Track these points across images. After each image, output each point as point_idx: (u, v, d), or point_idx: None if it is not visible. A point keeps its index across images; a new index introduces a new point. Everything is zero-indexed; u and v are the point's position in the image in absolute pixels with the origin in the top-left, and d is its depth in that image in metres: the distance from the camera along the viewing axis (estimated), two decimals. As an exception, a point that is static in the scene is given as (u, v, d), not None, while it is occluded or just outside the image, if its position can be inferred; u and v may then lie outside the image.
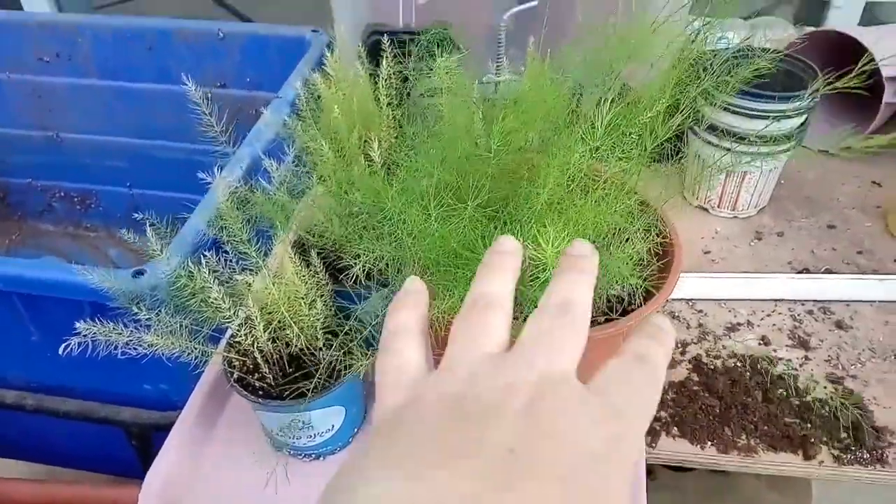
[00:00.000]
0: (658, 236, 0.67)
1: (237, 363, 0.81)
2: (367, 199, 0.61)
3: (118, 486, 1.16)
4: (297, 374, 0.79)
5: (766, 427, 0.90)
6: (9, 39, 1.67)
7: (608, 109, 0.52)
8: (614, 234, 0.61)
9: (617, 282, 0.59)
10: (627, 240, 0.62)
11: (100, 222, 1.93)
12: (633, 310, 0.68)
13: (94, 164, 1.83)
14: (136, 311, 0.76)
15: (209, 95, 1.74)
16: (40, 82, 1.71)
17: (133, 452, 1.24)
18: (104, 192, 1.89)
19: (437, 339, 0.81)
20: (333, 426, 0.83)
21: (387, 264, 0.60)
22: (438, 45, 1.05)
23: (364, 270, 0.65)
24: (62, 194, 1.91)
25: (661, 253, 0.68)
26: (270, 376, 0.79)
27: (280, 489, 0.83)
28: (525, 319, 0.58)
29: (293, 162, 0.97)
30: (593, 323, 0.68)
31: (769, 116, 1.08)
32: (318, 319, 0.78)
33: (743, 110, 1.09)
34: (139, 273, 0.91)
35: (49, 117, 1.77)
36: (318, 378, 0.76)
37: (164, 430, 0.91)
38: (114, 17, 1.66)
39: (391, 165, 0.80)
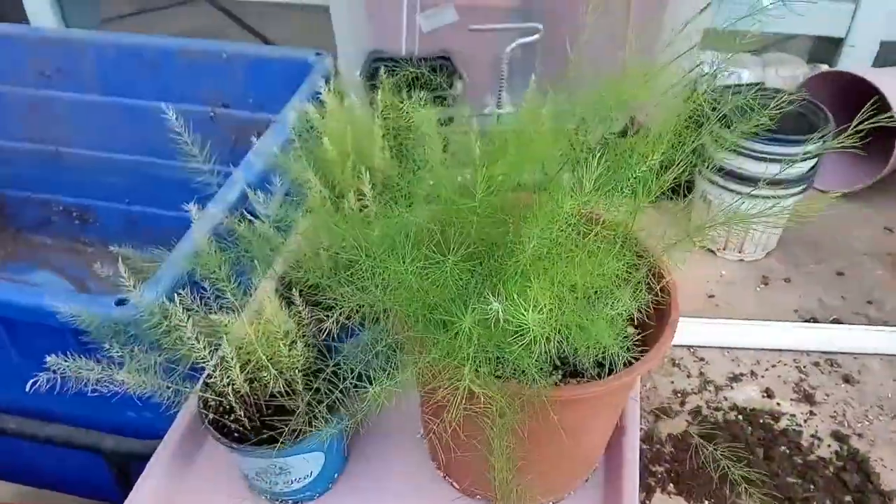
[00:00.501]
0: (651, 292, 0.63)
1: (213, 403, 0.77)
2: (346, 243, 0.57)
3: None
4: (275, 417, 0.76)
5: (767, 488, 0.86)
6: (10, 53, 1.66)
7: (597, 163, 0.49)
8: (602, 290, 0.58)
9: (596, 350, 0.55)
10: (614, 296, 0.59)
11: (97, 238, 1.92)
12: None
13: (92, 179, 1.81)
14: (107, 347, 0.73)
15: (212, 116, 1.74)
16: (40, 96, 1.70)
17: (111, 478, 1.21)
18: (102, 208, 1.88)
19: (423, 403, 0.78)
20: (312, 472, 0.80)
21: (363, 314, 0.57)
22: (440, 73, 1.03)
23: (344, 316, 0.61)
24: (60, 208, 1.90)
25: (656, 308, 0.64)
26: (246, 419, 0.75)
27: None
28: (504, 377, 0.54)
29: (284, 193, 0.95)
30: (580, 381, 0.64)
31: (780, 160, 1.05)
32: (298, 361, 0.75)
33: (753, 153, 1.06)
34: (122, 302, 0.89)
35: (48, 131, 1.75)
36: (295, 424, 0.72)
37: (146, 459, 0.88)
38: (117, 35, 1.65)
39: (385, 202, 0.77)
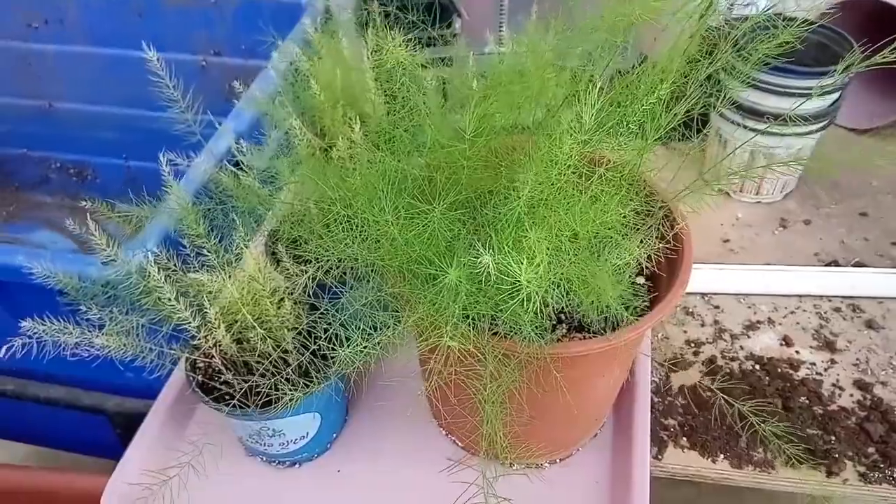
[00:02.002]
0: (662, 240, 0.58)
1: (202, 365, 0.74)
2: (329, 194, 0.53)
3: (103, 475, 1.12)
4: (267, 378, 0.72)
5: (785, 439, 0.82)
6: (-5, 5, 1.60)
7: (599, 96, 0.43)
8: (607, 239, 0.53)
9: (596, 309, 0.50)
10: (620, 245, 0.53)
11: (97, 195, 1.88)
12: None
13: (87, 135, 1.77)
14: (85, 309, 0.70)
15: (203, 65, 1.67)
16: (29, 49, 1.65)
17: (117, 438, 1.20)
18: (100, 165, 1.84)
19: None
20: (308, 433, 0.77)
21: (346, 271, 0.53)
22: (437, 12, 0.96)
23: (322, 272, 0.57)
24: (58, 165, 1.86)
25: (667, 258, 0.59)
26: (235, 381, 0.72)
27: (253, 498, 0.77)
28: (502, 335, 0.50)
29: (274, 142, 0.89)
30: (585, 336, 0.60)
31: (801, 94, 0.98)
32: (287, 319, 0.71)
33: (771, 87, 0.99)
34: (108, 262, 0.85)
35: (40, 86, 1.70)
36: (285, 386, 0.68)
37: (146, 418, 0.86)
38: (102, -18, 1.58)
39: (368, 148, 0.72)
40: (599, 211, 0.49)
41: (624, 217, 0.50)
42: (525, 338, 0.47)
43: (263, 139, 0.91)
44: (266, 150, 0.88)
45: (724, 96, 0.97)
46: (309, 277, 0.57)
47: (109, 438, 1.20)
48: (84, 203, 0.83)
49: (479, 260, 0.41)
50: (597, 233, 0.50)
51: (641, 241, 0.54)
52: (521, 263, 0.40)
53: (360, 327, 0.51)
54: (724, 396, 0.72)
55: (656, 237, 0.57)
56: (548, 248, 0.44)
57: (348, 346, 0.49)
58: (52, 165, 1.87)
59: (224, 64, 1.56)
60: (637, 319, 0.55)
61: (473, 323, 0.48)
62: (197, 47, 1.56)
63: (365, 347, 0.48)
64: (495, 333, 0.51)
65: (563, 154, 0.47)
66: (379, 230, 0.47)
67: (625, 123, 0.49)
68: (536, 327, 0.47)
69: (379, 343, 0.48)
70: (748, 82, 0.98)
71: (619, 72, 0.68)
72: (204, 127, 0.86)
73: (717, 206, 1.14)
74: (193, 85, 0.81)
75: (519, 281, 0.40)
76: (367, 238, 0.48)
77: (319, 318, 0.62)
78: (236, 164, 0.85)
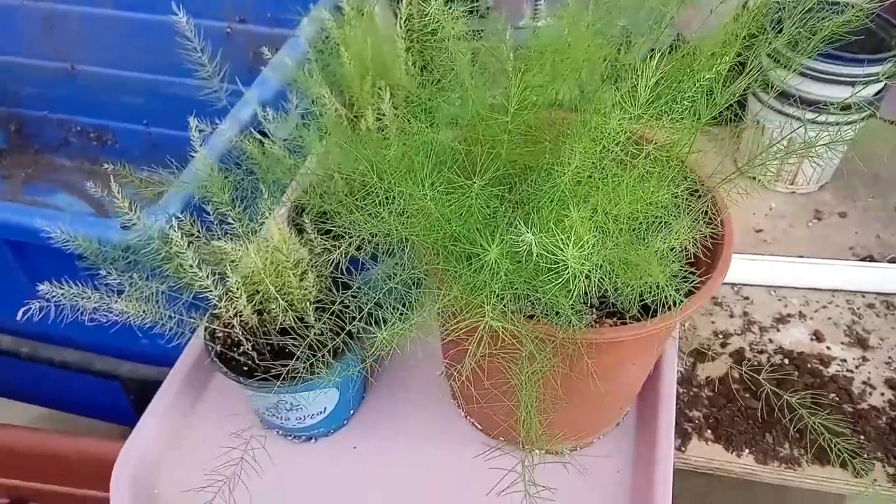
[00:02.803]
0: (709, 224, 0.55)
1: (221, 335, 0.73)
2: (360, 165, 0.50)
3: (118, 441, 1.12)
4: (287, 350, 0.71)
5: (812, 436, 0.80)
6: (20, -36, 1.58)
7: (656, 67, 0.40)
8: (655, 221, 0.50)
9: (644, 289, 0.48)
10: (668, 228, 0.51)
11: (118, 160, 1.87)
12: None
13: (109, 99, 1.75)
14: (104, 274, 0.68)
15: (228, 32, 1.64)
16: (54, 10, 1.63)
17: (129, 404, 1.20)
18: (121, 129, 1.82)
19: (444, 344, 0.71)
20: (326, 409, 0.75)
21: (377, 246, 0.51)
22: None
23: (353, 247, 0.55)
24: (78, 129, 1.85)
25: (706, 245, 0.57)
26: (255, 353, 0.71)
27: (266, 472, 0.75)
28: (538, 318, 0.47)
29: (301, 113, 0.87)
30: (623, 322, 0.57)
31: (846, 82, 0.94)
32: (310, 293, 0.69)
33: (815, 73, 0.95)
34: (126, 226, 0.84)
35: (63, 48, 1.69)
36: (305, 359, 0.67)
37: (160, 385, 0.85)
38: (128, -57, 1.56)
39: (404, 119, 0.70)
40: (648, 191, 0.46)
41: (676, 197, 0.47)
42: (564, 321, 0.45)
43: (288, 107, 0.89)
44: (291, 119, 0.86)
45: (767, 83, 0.94)
46: (342, 253, 0.55)
47: (122, 404, 1.20)
48: (106, 166, 0.81)
49: (520, 238, 0.39)
50: (644, 213, 0.47)
51: (690, 225, 0.51)
52: (567, 244, 0.38)
53: (395, 307, 0.49)
54: (772, 388, 0.70)
55: (703, 222, 0.54)
56: (592, 228, 0.42)
57: (386, 328, 0.47)
58: (72, 129, 1.85)
59: (249, 31, 1.54)
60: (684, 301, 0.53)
61: (507, 304, 0.46)
62: (222, 13, 1.54)
63: (401, 329, 0.46)
64: (531, 316, 0.49)
65: (611, 130, 0.44)
66: (415, 204, 0.44)
67: (679, 100, 0.47)
68: (576, 311, 0.45)
69: (415, 324, 0.46)
70: (794, 68, 0.95)
71: (654, 50, 0.65)
72: (228, 95, 0.84)
73: (750, 195, 1.11)
74: (219, 52, 0.79)
75: (563, 261, 0.38)
76: (402, 213, 0.46)
77: (352, 297, 0.60)
78: (262, 133, 0.83)
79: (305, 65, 0.90)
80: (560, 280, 0.39)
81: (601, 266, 0.43)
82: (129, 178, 0.83)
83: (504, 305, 0.44)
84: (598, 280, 0.44)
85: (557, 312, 0.47)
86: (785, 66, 0.90)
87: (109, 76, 1.72)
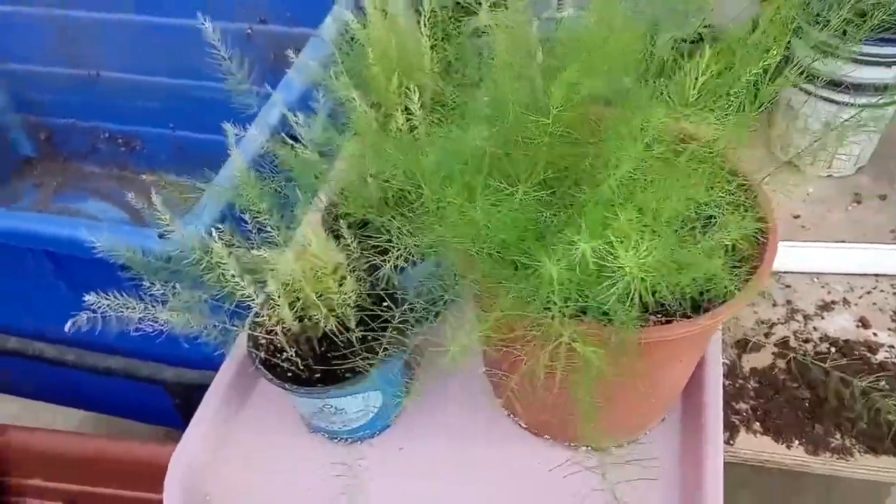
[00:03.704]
0: (756, 218, 0.54)
1: (264, 342, 0.73)
2: (397, 171, 0.50)
3: (166, 444, 1.13)
4: (330, 355, 0.71)
5: (864, 425, 0.78)
6: (37, -28, 1.59)
7: (704, 64, 0.39)
8: (698, 218, 0.49)
9: (706, 287, 0.47)
10: (713, 224, 0.50)
11: (145, 165, 1.89)
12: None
13: (133, 104, 1.77)
14: (148, 284, 0.69)
15: (249, 33, 1.64)
16: (74, 17, 1.64)
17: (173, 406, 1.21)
18: (147, 134, 1.84)
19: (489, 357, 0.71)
20: (370, 412, 0.75)
21: (422, 254, 0.50)
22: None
23: (402, 259, 0.55)
24: (106, 136, 1.87)
25: (754, 240, 0.56)
26: (298, 360, 0.71)
27: (314, 474, 0.76)
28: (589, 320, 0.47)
29: (327, 114, 0.87)
30: (670, 321, 0.56)
31: (885, 62, 0.92)
32: (350, 297, 0.69)
33: (862, 56, 0.93)
34: (163, 235, 0.84)
35: (87, 55, 1.70)
36: (348, 364, 0.67)
37: (205, 389, 0.85)
38: (146, -53, 1.56)
39: (437, 121, 0.69)
40: (697, 189, 0.45)
41: (731, 193, 0.46)
42: (617, 323, 0.45)
43: (315, 109, 0.89)
44: (317, 121, 0.85)
45: (801, 67, 0.92)
46: (392, 265, 0.55)
47: (164, 406, 1.21)
48: (143, 177, 0.82)
49: (573, 247, 0.38)
50: (689, 212, 0.46)
51: (740, 221, 0.50)
52: (623, 249, 0.37)
53: (460, 326, 0.48)
54: (838, 373, 0.68)
55: (752, 217, 0.53)
56: (642, 230, 0.41)
57: (453, 345, 0.46)
58: (100, 136, 1.87)
59: (270, 32, 1.54)
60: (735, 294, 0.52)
61: (561, 309, 0.45)
62: (243, 14, 1.54)
63: (466, 343, 0.46)
64: (580, 316, 0.49)
65: (655, 128, 0.44)
66: (459, 214, 0.44)
67: (723, 96, 0.45)
68: (629, 314, 0.45)
69: (476, 338, 0.46)
70: (828, 51, 0.92)
71: (685, 41, 0.64)
72: (254, 97, 0.84)
73: (786, 181, 1.09)
74: (240, 54, 0.79)
75: (619, 267, 0.38)
76: (445, 222, 0.45)
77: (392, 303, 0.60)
78: (292, 137, 0.83)
79: (330, 66, 0.89)
80: (616, 286, 0.39)
81: (656, 269, 0.42)
82: (163, 185, 0.84)
83: (560, 311, 0.43)
84: (652, 283, 0.43)
85: (606, 313, 0.46)
86: (832, 55, 0.88)
87: (133, 81, 1.73)
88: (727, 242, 0.49)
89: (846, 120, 1.01)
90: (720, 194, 0.48)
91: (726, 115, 0.47)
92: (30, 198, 1.90)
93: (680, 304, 0.55)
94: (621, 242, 0.38)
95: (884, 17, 0.53)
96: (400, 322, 0.69)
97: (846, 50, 0.61)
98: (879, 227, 1.01)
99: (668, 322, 0.55)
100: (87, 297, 0.66)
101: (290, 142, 0.79)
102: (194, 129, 1.79)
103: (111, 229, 0.88)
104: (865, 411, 0.79)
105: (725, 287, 0.47)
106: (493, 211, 0.43)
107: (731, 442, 0.78)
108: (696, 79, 0.40)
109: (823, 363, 0.84)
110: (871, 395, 0.81)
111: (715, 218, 0.52)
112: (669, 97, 0.43)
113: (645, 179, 0.47)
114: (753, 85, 0.46)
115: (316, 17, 1.23)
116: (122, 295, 0.67)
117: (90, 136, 1.88)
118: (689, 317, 0.54)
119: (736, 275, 0.50)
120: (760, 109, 0.55)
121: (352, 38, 0.88)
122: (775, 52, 0.44)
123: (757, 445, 0.78)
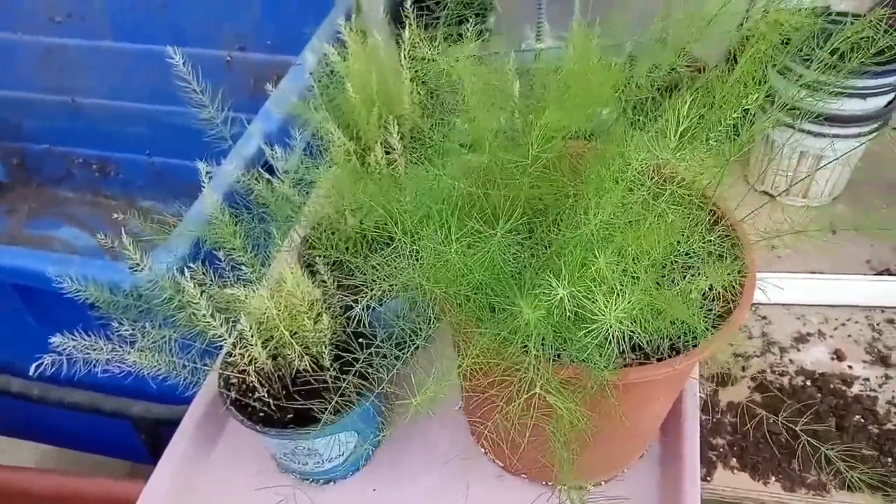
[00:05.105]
0: (734, 261, 0.54)
1: (235, 381, 0.71)
2: (374, 209, 0.49)
3: (136, 481, 1.10)
4: (303, 394, 0.69)
5: (840, 461, 0.78)
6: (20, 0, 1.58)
7: (685, 110, 0.39)
8: (677, 259, 0.49)
9: (678, 331, 0.47)
10: (692, 265, 0.50)
11: (119, 191, 1.86)
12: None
13: (111, 130, 1.75)
14: (117, 324, 0.67)
15: (228, 60, 1.64)
16: (53, 43, 1.63)
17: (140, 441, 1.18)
18: (123, 160, 1.82)
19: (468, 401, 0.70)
20: (344, 452, 0.74)
21: (398, 294, 0.49)
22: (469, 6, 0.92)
23: (375, 300, 0.54)
24: (81, 161, 1.84)
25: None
26: (270, 399, 0.69)
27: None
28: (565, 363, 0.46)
29: (304, 146, 0.86)
30: (647, 361, 0.56)
31: (856, 94, 0.93)
32: (325, 335, 0.68)
33: (825, 86, 0.94)
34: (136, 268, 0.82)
35: (64, 81, 1.68)
36: (320, 405, 0.66)
37: (173, 425, 0.83)
38: (125, -26, 1.56)
39: (415, 159, 0.68)
40: (676, 236, 0.45)
41: (710, 242, 0.46)
42: (593, 367, 0.44)
43: (292, 141, 0.88)
44: (294, 154, 0.84)
45: (780, 100, 0.93)
46: (363, 307, 0.54)
47: (131, 441, 1.18)
48: (113, 201, 0.80)
49: (551, 293, 0.38)
50: (669, 255, 0.46)
51: (719, 266, 0.50)
52: (602, 298, 0.36)
53: (432, 372, 0.47)
54: (785, 421, 0.68)
55: (731, 262, 0.53)
56: (621, 275, 0.41)
57: (420, 393, 0.45)
58: (74, 161, 1.85)
59: (249, 59, 1.53)
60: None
61: (536, 352, 0.44)
62: (222, 42, 1.53)
63: (433, 392, 0.45)
64: (556, 359, 0.48)
65: (635, 172, 0.43)
66: (435, 255, 0.43)
67: (703, 139, 0.45)
68: (607, 357, 0.44)
69: (445, 384, 0.45)
70: (805, 84, 0.94)
71: (656, 66, 0.64)
72: (230, 123, 0.83)
73: (761, 210, 1.10)
74: (219, 81, 0.78)
75: (596, 314, 0.37)
76: (421, 263, 0.44)
77: (367, 345, 0.59)
78: (268, 168, 0.82)
79: (309, 98, 0.89)
80: (593, 332, 0.38)
81: (633, 315, 0.42)
82: (129, 214, 0.81)
83: (536, 356, 0.42)
84: (630, 329, 0.42)
85: (585, 360, 0.46)
86: (798, 84, 0.89)
87: (111, 107, 1.71)
88: (696, 286, 0.49)
89: (821, 150, 1.03)
90: (700, 243, 0.47)
91: (705, 157, 0.47)
92: (1, 224, 1.86)
93: (657, 345, 0.54)
94: (600, 287, 0.37)
95: (862, 59, 0.53)
96: (370, 363, 0.67)
97: (827, 88, 0.62)
98: (854, 258, 1.02)
99: (645, 363, 0.54)
100: (52, 339, 0.64)
101: (267, 175, 0.78)
102: (171, 154, 1.77)
103: (82, 264, 0.86)
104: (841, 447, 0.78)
105: (692, 331, 0.46)
106: (469, 252, 0.42)
107: (709, 478, 0.78)
108: (677, 125, 0.40)
109: (799, 397, 0.84)
110: (846, 430, 0.81)
111: (694, 259, 0.52)
112: (649, 138, 0.43)
113: (622, 220, 0.47)
114: (733, 126, 0.46)
115: (296, 46, 1.22)
116: (89, 334, 0.65)
117: (64, 162, 1.86)
118: (666, 356, 0.54)
119: (712, 313, 0.50)
120: (741, 153, 0.55)
121: (331, 72, 0.88)
122: (756, 97, 0.44)
123: (734, 482, 0.78)
